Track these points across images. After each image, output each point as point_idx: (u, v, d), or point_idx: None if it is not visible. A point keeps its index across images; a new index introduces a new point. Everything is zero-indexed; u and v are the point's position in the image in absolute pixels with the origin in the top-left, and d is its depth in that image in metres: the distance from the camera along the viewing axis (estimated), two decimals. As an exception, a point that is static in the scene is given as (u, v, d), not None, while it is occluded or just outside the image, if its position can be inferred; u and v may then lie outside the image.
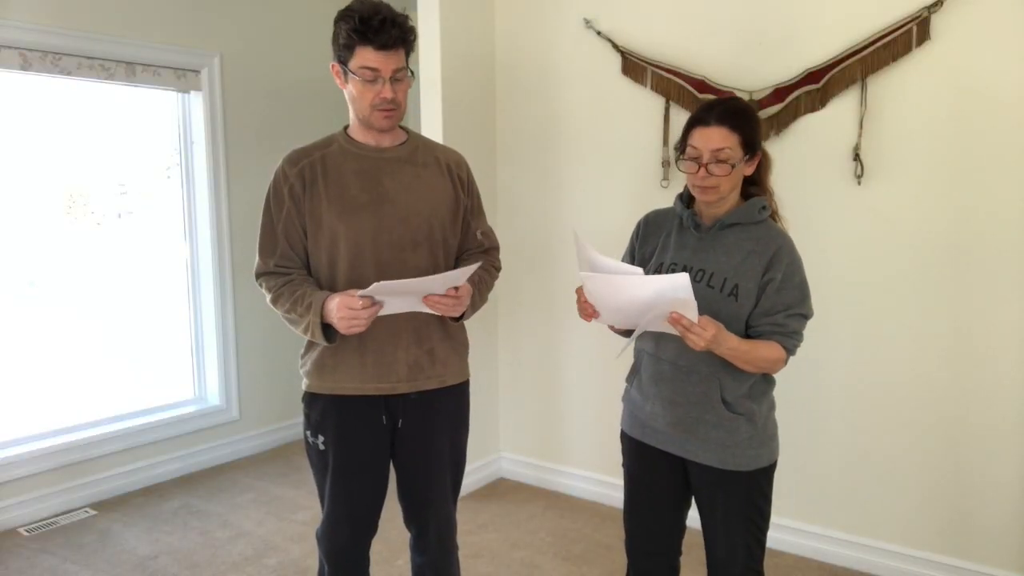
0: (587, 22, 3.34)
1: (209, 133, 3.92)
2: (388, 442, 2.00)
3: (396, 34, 1.79)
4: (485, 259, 2.07)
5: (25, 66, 3.27)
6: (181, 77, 3.81)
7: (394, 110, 1.86)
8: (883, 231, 2.76)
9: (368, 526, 2.04)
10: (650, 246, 1.96)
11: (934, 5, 2.58)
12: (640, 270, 1.69)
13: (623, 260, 2.04)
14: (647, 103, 3.22)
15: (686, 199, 1.92)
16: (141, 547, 3.16)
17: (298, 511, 3.49)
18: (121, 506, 3.56)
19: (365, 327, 1.78)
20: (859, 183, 2.77)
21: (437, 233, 1.95)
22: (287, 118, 4.25)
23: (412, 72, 1.89)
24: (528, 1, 3.52)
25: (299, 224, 1.90)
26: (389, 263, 1.88)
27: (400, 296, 1.77)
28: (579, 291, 1.82)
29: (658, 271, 1.88)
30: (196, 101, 3.92)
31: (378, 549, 2.96)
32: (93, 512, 3.49)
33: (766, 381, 1.89)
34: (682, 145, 1.82)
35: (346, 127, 2.00)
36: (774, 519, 3.03)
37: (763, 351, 1.77)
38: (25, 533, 3.28)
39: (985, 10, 2.52)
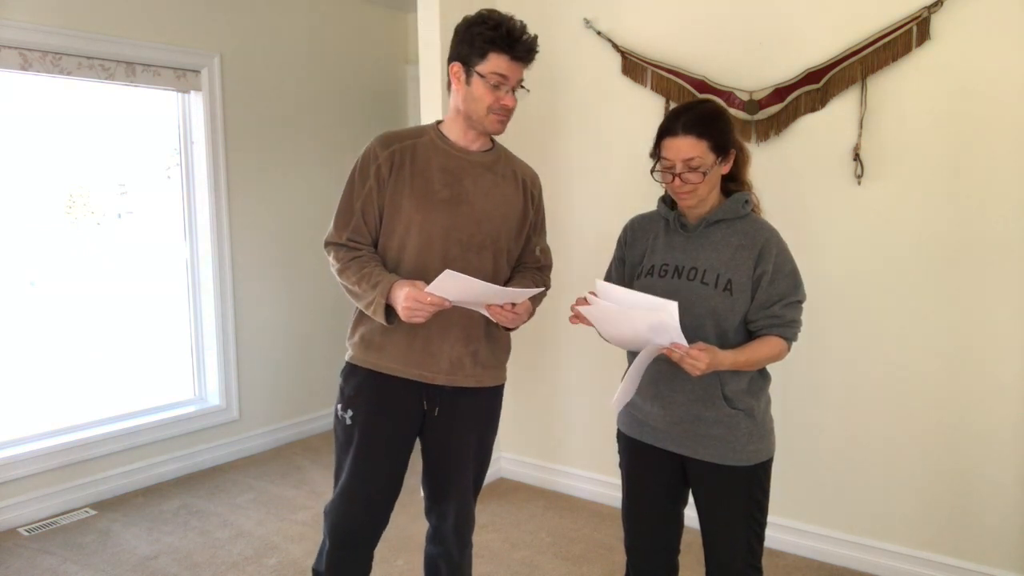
0: (587, 22, 3.34)
1: (209, 133, 3.91)
2: (416, 429, 2.04)
3: (531, 47, 1.91)
4: (539, 276, 2.14)
5: (25, 66, 3.26)
6: (181, 77, 3.81)
7: (508, 117, 1.96)
8: (883, 231, 2.76)
9: (380, 511, 2.05)
10: (638, 250, 1.98)
11: (934, 5, 2.58)
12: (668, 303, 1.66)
13: (611, 266, 2.08)
14: (647, 103, 3.22)
15: (669, 201, 1.94)
16: (141, 547, 3.16)
17: (298, 511, 3.49)
18: (121, 506, 3.56)
19: (425, 319, 1.84)
20: (859, 183, 2.77)
21: (503, 241, 2.02)
22: (287, 118, 4.24)
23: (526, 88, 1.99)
24: (528, 1, 3.52)
25: (378, 204, 1.96)
26: (454, 260, 1.94)
27: (464, 295, 1.82)
28: (577, 303, 1.82)
29: (649, 274, 1.90)
30: (196, 101, 3.91)
31: (378, 548, 2.96)
32: (93, 512, 3.49)
33: (763, 377, 1.90)
34: (655, 154, 1.84)
35: (438, 122, 2.05)
36: (774, 519, 3.04)
37: (763, 352, 1.79)
38: (25, 533, 3.28)
39: (985, 10, 2.52)
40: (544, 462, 3.75)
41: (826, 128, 2.83)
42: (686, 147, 1.77)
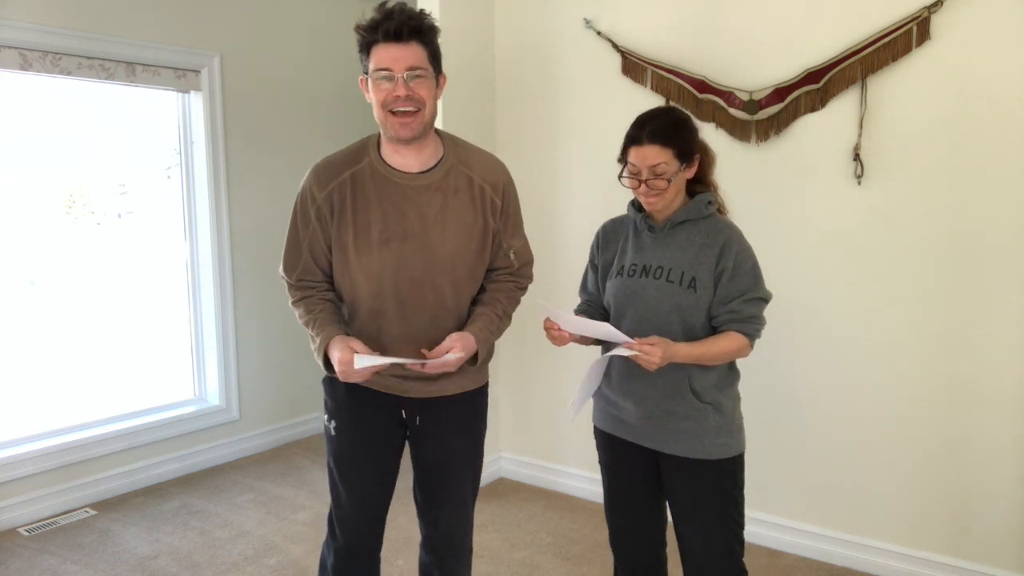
0: (587, 22, 3.34)
1: (209, 133, 3.91)
2: (401, 437, 2.02)
3: (402, 20, 1.69)
4: (512, 283, 2.02)
5: (25, 66, 3.27)
6: (181, 77, 3.81)
7: (411, 114, 1.74)
8: (883, 231, 2.76)
9: (374, 518, 2.03)
10: (609, 252, 2.05)
11: (934, 5, 2.58)
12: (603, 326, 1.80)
13: (586, 270, 2.16)
14: (647, 103, 3.19)
15: (637, 204, 1.99)
16: (141, 547, 3.16)
17: (298, 511, 3.49)
18: (121, 506, 3.56)
19: (362, 379, 1.79)
20: (859, 183, 2.77)
21: (460, 268, 1.88)
22: (287, 118, 4.24)
23: (441, 73, 1.81)
24: (528, 1, 3.52)
25: (324, 243, 1.90)
26: (407, 301, 1.86)
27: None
28: (546, 324, 1.91)
29: (619, 274, 1.97)
30: (196, 101, 3.91)
31: (378, 549, 2.96)
32: (93, 512, 3.49)
33: (732, 373, 1.95)
34: (623, 160, 1.89)
35: (380, 139, 1.90)
36: (774, 518, 3.05)
37: (720, 345, 1.83)
38: (25, 533, 3.28)
39: (985, 10, 2.52)
40: (544, 462, 3.75)
41: (826, 128, 2.83)
42: (652, 155, 1.82)
